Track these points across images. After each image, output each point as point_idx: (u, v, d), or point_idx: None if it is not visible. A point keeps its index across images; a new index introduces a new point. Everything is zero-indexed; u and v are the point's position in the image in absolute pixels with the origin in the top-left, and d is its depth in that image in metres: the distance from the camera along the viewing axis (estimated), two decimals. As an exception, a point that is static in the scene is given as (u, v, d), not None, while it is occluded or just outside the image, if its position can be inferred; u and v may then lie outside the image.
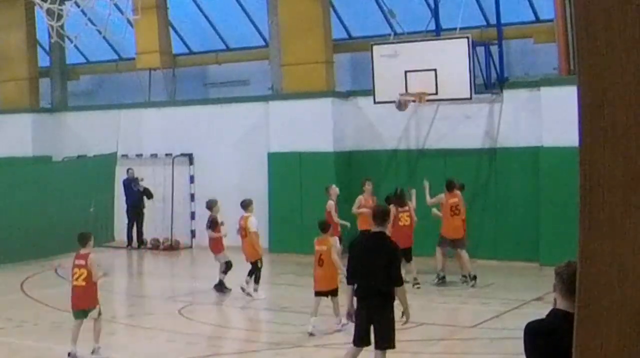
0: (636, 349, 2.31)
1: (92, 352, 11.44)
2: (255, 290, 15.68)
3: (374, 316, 9.42)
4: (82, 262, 11.29)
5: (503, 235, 18.72)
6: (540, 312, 4.90)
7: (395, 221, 15.85)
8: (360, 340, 9.55)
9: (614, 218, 2.37)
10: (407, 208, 16.35)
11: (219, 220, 16.43)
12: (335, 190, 17.52)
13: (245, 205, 15.97)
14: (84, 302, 11.38)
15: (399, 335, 12.60)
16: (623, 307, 2.33)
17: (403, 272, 15.80)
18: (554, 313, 4.75)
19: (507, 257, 18.44)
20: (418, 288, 15.91)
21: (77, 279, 11.30)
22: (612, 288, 2.36)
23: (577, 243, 2.45)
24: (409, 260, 15.79)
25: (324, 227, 13.35)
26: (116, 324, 14.20)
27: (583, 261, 2.45)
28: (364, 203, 17.02)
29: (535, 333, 4.71)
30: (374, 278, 9.28)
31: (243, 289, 15.68)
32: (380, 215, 9.55)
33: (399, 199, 16.35)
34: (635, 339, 2.31)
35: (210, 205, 16.57)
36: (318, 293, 12.82)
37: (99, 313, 11.46)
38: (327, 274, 12.80)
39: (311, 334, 12.56)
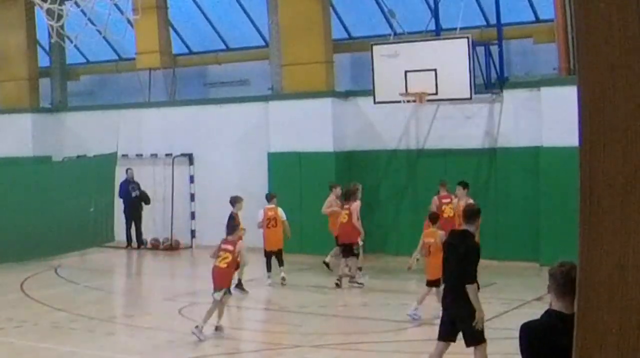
0: (636, 348, 2.31)
1: (215, 330, 12.48)
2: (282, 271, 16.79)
3: (452, 313, 9.54)
4: (230, 247, 12.78)
5: (503, 235, 18.70)
6: (541, 312, 4.90)
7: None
8: (439, 333, 9.72)
9: (614, 217, 2.36)
10: (347, 206, 16.58)
11: (241, 225, 16.40)
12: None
13: (271, 197, 17.17)
14: (221, 283, 12.65)
15: (399, 335, 12.67)
16: (623, 306, 2.33)
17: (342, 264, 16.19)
18: (549, 313, 4.77)
19: (507, 257, 18.43)
20: (359, 286, 16.34)
21: (220, 261, 12.73)
22: (612, 287, 2.36)
23: (577, 243, 2.45)
24: (346, 256, 16.42)
25: (434, 219, 13.84)
26: (116, 324, 14.21)
27: (583, 261, 2.45)
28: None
29: (530, 334, 4.73)
30: (448, 275, 9.50)
31: (283, 279, 16.60)
32: (467, 214, 9.63)
33: (346, 195, 16.75)
34: (635, 338, 2.31)
35: (234, 201, 16.57)
36: (429, 283, 13.41)
37: (225, 294, 12.69)
38: (435, 264, 13.11)
39: (414, 318, 13.18)
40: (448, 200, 17.19)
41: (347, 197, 16.85)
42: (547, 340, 4.59)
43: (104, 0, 17.92)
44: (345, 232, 16.58)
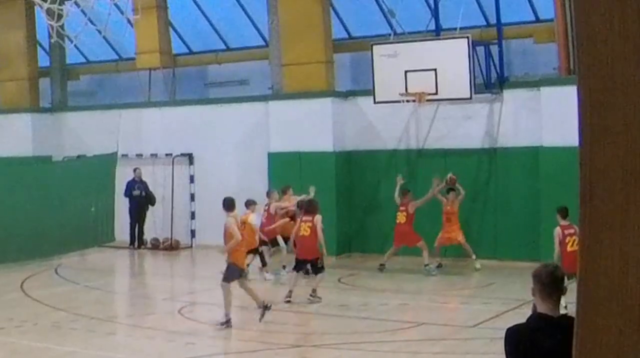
0: (636, 349, 2.32)
1: None
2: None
3: None
4: (572, 231, 13.49)
5: (503, 235, 18.71)
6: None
7: (297, 230, 15.22)
8: None
9: (614, 217, 2.37)
10: (310, 218, 15.05)
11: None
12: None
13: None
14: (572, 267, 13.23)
15: (397, 335, 12.67)
16: (623, 306, 2.33)
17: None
18: (534, 317, 4.76)
19: (507, 257, 18.44)
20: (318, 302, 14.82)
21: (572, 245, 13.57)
22: (612, 287, 2.36)
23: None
24: (315, 272, 15.03)
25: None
26: (116, 324, 14.21)
27: (583, 260, 2.45)
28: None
29: (515, 337, 4.71)
30: None
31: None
32: None
33: (307, 207, 15.45)
34: (635, 339, 2.31)
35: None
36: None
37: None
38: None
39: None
40: (403, 208, 17.78)
41: (309, 209, 15.34)
42: (532, 343, 4.58)
43: (104, 0, 17.93)
44: (302, 246, 15.11)
